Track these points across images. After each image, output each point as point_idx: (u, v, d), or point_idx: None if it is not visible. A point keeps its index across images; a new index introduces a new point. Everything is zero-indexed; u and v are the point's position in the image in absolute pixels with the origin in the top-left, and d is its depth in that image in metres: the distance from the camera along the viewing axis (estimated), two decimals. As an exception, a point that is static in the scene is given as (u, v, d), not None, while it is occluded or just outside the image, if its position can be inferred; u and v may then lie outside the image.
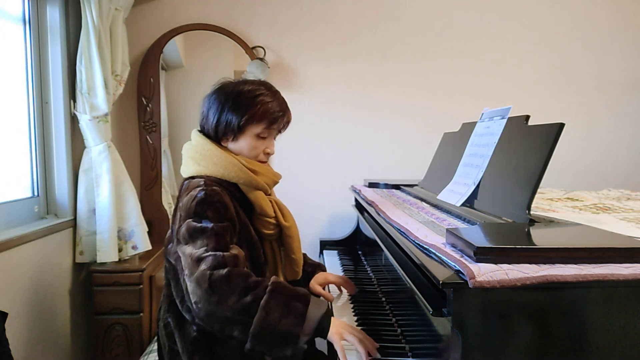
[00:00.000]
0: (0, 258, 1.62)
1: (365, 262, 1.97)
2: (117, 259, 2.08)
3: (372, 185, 2.17)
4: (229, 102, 1.31)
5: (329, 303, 1.41)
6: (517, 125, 1.28)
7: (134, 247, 2.17)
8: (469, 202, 1.34)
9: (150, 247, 2.22)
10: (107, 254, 2.04)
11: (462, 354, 0.80)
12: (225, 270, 1.13)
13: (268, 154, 1.38)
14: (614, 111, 2.72)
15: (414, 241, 1.09)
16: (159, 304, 1.42)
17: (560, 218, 1.27)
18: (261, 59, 2.55)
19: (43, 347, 1.87)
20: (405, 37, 2.66)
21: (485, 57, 2.67)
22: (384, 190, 2.05)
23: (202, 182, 1.25)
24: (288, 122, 1.38)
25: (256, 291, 1.12)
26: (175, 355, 1.31)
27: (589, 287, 0.80)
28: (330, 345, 1.43)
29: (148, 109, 2.53)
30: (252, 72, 2.50)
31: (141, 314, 2.03)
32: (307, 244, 2.30)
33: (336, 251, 2.22)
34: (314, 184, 2.67)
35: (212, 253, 1.15)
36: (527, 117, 1.26)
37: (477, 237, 0.93)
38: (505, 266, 0.80)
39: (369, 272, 1.83)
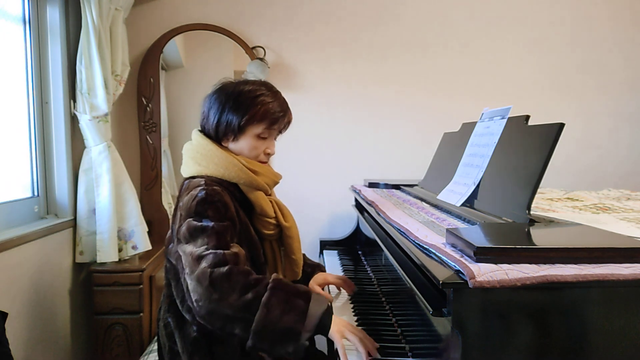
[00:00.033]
0: (0, 258, 1.62)
1: (365, 262, 1.97)
2: (117, 259, 2.08)
3: (372, 185, 2.17)
4: (230, 102, 1.31)
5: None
6: (517, 125, 1.28)
7: (134, 247, 2.17)
8: (469, 202, 1.34)
9: (150, 247, 2.22)
10: (107, 254, 2.04)
11: (462, 354, 0.80)
12: (226, 267, 1.13)
13: (268, 155, 1.38)
14: (614, 111, 2.72)
15: (414, 241, 1.09)
16: (159, 304, 1.42)
17: (560, 218, 1.27)
18: (261, 59, 2.55)
19: (43, 347, 1.87)
20: (405, 37, 2.66)
21: (485, 57, 2.67)
22: (384, 190, 2.05)
23: (203, 182, 1.26)
24: (289, 122, 1.38)
25: (257, 288, 1.12)
26: (176, 355, 1.31)
27: (589, 287, 0.80)
28: (330, 345, 1.43)
29: (148, 109, 2.53)
30: (252, 72, 2.50)
31: (141, 314, 2.03)
32: (307, 244, 2.30)
33: (336, 251, 2.22)
34: (314, 184, 2.67)
35: (213, 251, 1.15)
36: (527, 117, 1.26)
37: (477, 237, 0.93)
38: (505, 266, 0.81)
39: (369, 272, 1.83)
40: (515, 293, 0.80)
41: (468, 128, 1.61)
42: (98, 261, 2.04)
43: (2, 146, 1.83)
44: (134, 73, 2.49)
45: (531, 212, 1.08)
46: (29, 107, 1.97)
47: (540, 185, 1.10)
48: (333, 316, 1.16)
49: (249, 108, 1.30)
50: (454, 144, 1.71)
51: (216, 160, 1.30)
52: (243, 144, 1.33)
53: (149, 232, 2.27)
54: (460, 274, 0.81)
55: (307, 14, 2.63)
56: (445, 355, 0.87)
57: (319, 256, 2.26)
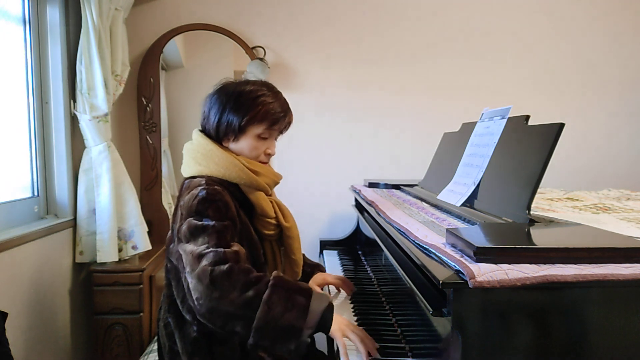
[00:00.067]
0: (0, 258, 1.62)
1: (365, 262, 1.97)
2: (117, 259, 2.08)
3: (372, 185, 2.17)
4: (230, 102, 1.31)
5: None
6: (517, 125, 1.28)
7: (134, 247, 2.17)
8: (469, 202, 1.34)
9: (150, 247, 2.22)
10: (107, 254, 2.04)
11: (462, 354, 0.80)
12: (227, 265, 1.12)
13: (269, 155, 1.38)
14: (614, 111, 2.72)
15: (414, 241, 1.09)
16: (159, 304, 1.42)
17: (560, 218, 1.27)
18: (261, 59, 2.55)
19: (43, 347, 1.87)
20: (405, 37, 2.66)
21: (485, 57, 2.67)
22: (384, 190, 2.05)
23: (204, 182, 1.26)
24: (289, 123, 1.38)
25: (258, 286, 1.12)
26: (176, 355, 1.31)
27: (589, 287, 0.80)
28: (330, 345, 1.43)
29: (148, 109, 2.53)
30: (252, 72, 2.50)
31: (141, 314, 2.03)
32: (307, 244, 2.30)
33: (336, 251, 2.22)
34: (314, 184, 2.67)
35: (213, 249, 1.15)
36: (527, 117, 1.26)
37: (477, 237, 0.93)
38: (505, 266, 0.81)
39: (369, 272, 1.83)
40: (515, 293, 0.80)
41: (468, 128, 1.61)
42: (98, 261, 2.04)
43: (2, 146, 1.83)
44: (134, 73, 2.49)
45: (531, 212, 1.08)
46: (29, 107, 1.97)
47: (540, 185, 1.10)
48: (334, 314, 1.15)
49: (250, 108, 1.30)
50: (454, 144, 1.71)
51: (217, 160, 1.30)
52: (243, 144, 1.33)
53: (149, 232, 2.27)
54: (460, 274, 0.81)
55: (307, 14, 2.63)
56: (445, 355, 0.87)
57: (319, 256, 2.26)
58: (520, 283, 0.78)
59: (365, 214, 1.90)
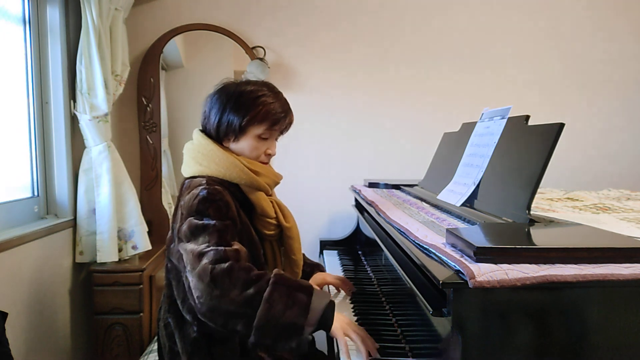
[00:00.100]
0: (0, 258, 1.62)
1: (365, 262, 1.97)
2: (117, 259, 2.08)
3: (372, 185, 2.17)
4: (231, 102, 1.31)
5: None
6: (517, 125, 1.28)
7: (134, 247, 2.17)
8: (469, 202, 1.34)
9: (150, 247, 2.22)
10: (107, 254, 2.04)
11: (462, 354, 0.80)
12: (227, 264, 1.12)
13: (269, 155, 1.38)
14: (614, 111, 2.72)
15: (414, 241, 1.09)
16: (159, 304, 1.42)
17: (560, 218, 1.27)
18: (261, 59, 2.55)
19: (43, 347, 1.87)
20: (405, 37, 2.66)
21: (485, 58, 2.67)
22: (384, 190, 2.05)
23: (205, 182, 1.26)
24: (290, 123, 1.38)
25: (259, 283, 1.11)
26: (176, 356, 1.31)
27: (589, 287, 0.80)
28: (330, 345, 1.43)
29: (148, 109, 2.53)
30: (252, 72, 2.50)
31: (141, 314, 2.03)
32: (307, 244, 2.30)
33: (336, 251, 2.22)
34: (314, 184, 2.67)
35: (214, 248, 1.15)
36: (527, 117, 1.26)
37: (477, 237, 0.93)
38: (505, 266, 0.81)
39: (369, 272, 1.83)
40: (515, 293, 0.80)
41: (468, 128, 1.61)
42: (98, 261, 2.04)
43: (2, 146, 1.83)
44: (134, 73, 2.49)
45: (531, 212, 1.08)
46: (29, 107, 1.97)
47: (540, 185, 1.10)
48: (335, 312, 1.15)
49: (250, 108, 1.30)
50: (454, 144, 1.71)
51: (217, 160, 1.29)
52: (244, 144, 1.33)
53: (149, 232, 2.27)
54: (460, 274, 0.81)
55: (307, 14, 2.63)
56: (445, 355, 0.87)
57: (319, 256, 2.26)
58: (520, 283, 0.78)
59: (365, 214, 1.90)
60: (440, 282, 0.81)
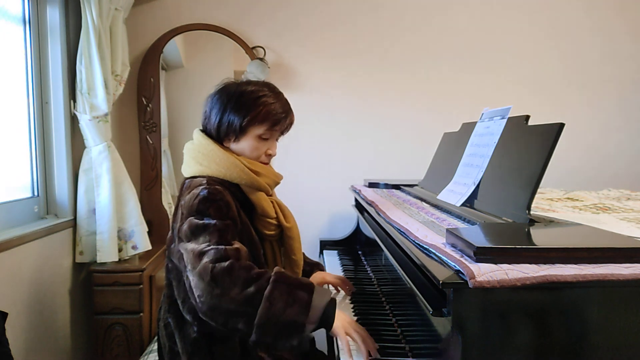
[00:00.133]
0: (0, 258, 1.62)
1: (365, 262, 1.97)
2: (117, 259, 2.08)
3: (372, 185, 2.17)
4: (232, 102, 1.31)
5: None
6: (517, 125, 1.28)
7: (134, 247, 2.17)
8: (469, 202, 1.34)
9: (150, 247, 2.22)
10: (107, 254, 2.04)
11: (462, 354, 0.80)
12: (228, 262, 1.12)
13: (270, 156, 1.38)
14: (614, 111, 2.72)
15: (414, 241, 1.09)
16: (159, 304, 1.42)
17: (560, 218, 1.27)
18: (261, 59, 2.55)
19: (43, 347, 1.87)
20: (405, 37, 2.66)
21: (485, 58, 2.67)
22: (384, 190, 2.05)
23: (205, 181, 1.26)
24: (291, 123, 1.38)
25: (259, 282, 1.11)
26: (176, 356, 1.31)
27: (589, 287, 0.80)
28: (330, 344, 1.43)
29: (148, 109, 2.53)
30: (252, 72, 2.50)
31: (141, 314, 2.03)
32: (307, 244, 2.30)
33: (336, 251, 2.22)
34: (314, 184, 2.67)
35: (214, 247, 1.15)
36: (527, 117, 1.26)
37: (477, 237, 0.93)
38: (505, 266, 0.81)
39: (369, 272, 1.83)
40: (515, 293, 0.80)
41: (468, 128, 1.61)
42: (98, 261, 2.04)
43: (2, 146, 1.83)
44: (134, 73, 2.49)
45: (531, 212, 1.08)
46: (29, 107, 1.97)
47: (540, 185, 1.10)
48: (337, 310, 1.15)
49: (251, 109, 1.30)
50: (454, 144, 1.71)
51: (218, 160, 1.29)
52: (244, 144, 1.33)
53: (149, 232, 2.27)
54: (460, 274, 0.81)
55: (307, 14, 2.63)
56: (445, 355, 0.87)
57: (319, 256, 2.26)
58: (520, 283, 0.78)
59: (365, 214, 1.90)
60: (440, 282, 0.81)
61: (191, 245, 1.18)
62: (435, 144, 1.97)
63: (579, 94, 2.71)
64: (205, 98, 1.38)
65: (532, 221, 1.06)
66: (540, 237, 0.98)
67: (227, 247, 1.16)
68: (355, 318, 1.39)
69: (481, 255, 0.83)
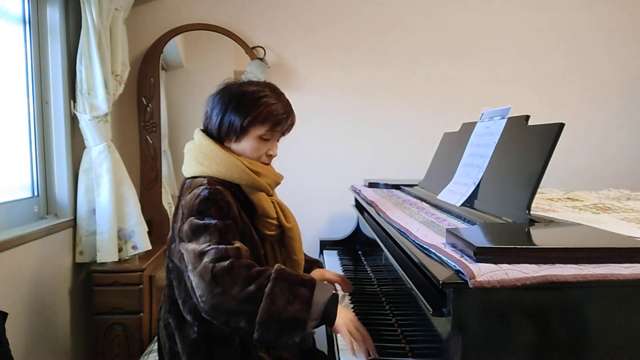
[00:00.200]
0: (0, 258, 1.62)
1: (365, 262, 1.97)
2: (117, 259, 2.08)
3: (372, 185, 2.17)
4: (233, 103, 1.30)
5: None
6: (517, 125, 1.28)
7: (134, 247, 2.17)
8: (469, 202, 1.34)
9: (150, 247, 2.22)
10: (107, 254, 2.04)
11: (462, 354, 0.80)
12: (228, 261, 1.12)
13: (271, 156, 1.38)
14: (614, 111, 2.72)
15: (414, 241, 1.09)
16: (159, 304, 1.42)
17: (560, 218, 1.27)
18: (261, 59, 2.55)
19: (43, 347, 1.87)
20: (405, 37, 2.66)
21: (485, 58, 2.67)
22: (384, 190, 2.05)
23: (206, 181, 1.26)
24: (292, 124, 1.38)
25: (260, 280, 1.11)
26: (176, 356, 1.31)
27: (589, 287, 0.80)
28: (330, 344, 1.43)
29: (148, 109, 2.53)
30: (252, 72, 2.50)
31: (141, 314, 2.03)
32: (307, 244, 2.29)
33: (336, 251, 2.22)
34: (314, 184, 2.67)
35: (215, 247, 1.15)
36: (527, 117, 1.26)
37: (477, 237, 0.93)
38: (505, 266, 0.81)
39: (369, 272, 1.83)
40: (515, 293, 0.80)
41: (468, 128, 1.61)
42: (98, 261, 2.04)
43: (2, 146, 1.83)
44: (134, 73, 2.49)
45: (531, 212, 1.08)
46: (29, 107, 1.97)
47: (540, 185, 1.10)
48: (339, 306, 1.15)
49: (252, 109, 1.29)
50: (454, 144, 1.71)
51: (218, 160, 1.29)
52: (245, 145, 1.33)
53: (149, 232, 2.27)
54: (460, 274, 0.81)
55: (307, 14, 2.63)
56: (445, 356, 0.87)
57: (319, 256, 2.26)
58: (521, 283, 0.78)
59: (365, 214, 1.90)
60: (440, 282, 0.81)
61: (192, 246, 1.18)
62: (435, 144, 1.97)
63: (579, 93, 2.71)
64: (205, 98, 1.38)
65: (532, 221, 1.06)
66: (540, 237, 0.98)
67: (227, 246, 1.16)
68: (355, 318, 1.39)
69: (481, 255, 0.83)
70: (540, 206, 1.61)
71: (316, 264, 1.63)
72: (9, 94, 1.87)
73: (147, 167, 2.55)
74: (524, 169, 1.15)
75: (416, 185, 1.95)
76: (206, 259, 1.13)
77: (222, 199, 1.23)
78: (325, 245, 2.29)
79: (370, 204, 1.69)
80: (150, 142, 2.54)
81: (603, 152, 2.73)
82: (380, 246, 1.46)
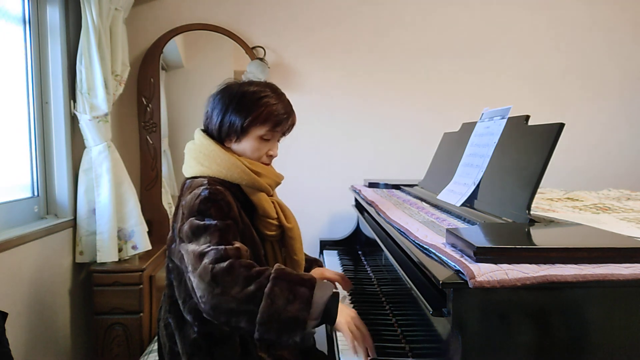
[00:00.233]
0: (0, 258, 1.62)
1: (365, 262, 1.97)
2: (117, 259, 2.08)
3: (372, 185, 2.17)
4: (233, 103, 1.30)
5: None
6: (517, 125, 1.28)
7: (134, 247, 2.17)
8: (469, 202, 1.34)
9: (150, 247, 2.22)
10: (107, 254, 2.04)
11: (462, 354, 0.80)
12: (227, 262, 1.12)
13: (271, 157, 1.38)
14: (614, 111, 2.72)
15: (414, 241, 1.09)
16: (159, 304, 1.42)
17: (560, 218, 1.27)
18: (261, 59, 2.55)
19: (43, 347, 1.87)
20: (405, 37, 2.66)
21: (485, 58, 2.67)
22: (384, 190, 2.05)
23: (206, 182, 1.25)
24: (292, 124, 1.38)
25: (259, 279, 1.11)
26: (176, 356, 1.31)
27: (589, 287, 0.80)
28: (330, 344, 1.43)
29: (148, 109, 2.53)
30: (252, 72, 2.50)
31: (141, 314, 2.03)
32: (307, 244, 2.28)
33: (336, 251, 2.22)
34: (314, 184, 2.67)
35: (214, 247, 1.15)
36: (527, 117, 1.26)
37: (477, 237, 0.93)
38: (505, 266, 0.81)
39: (369, 272, 1.83)
40: (515, 293, 0.80)
41: (468, 128, 1.61)
42: (98, 261, 2.04)
43: (2, 146, 1.83)
44: (134, 73, 2.49)
45: (531, 212, 1.08)
46: (29, 107, 1.97)
47: (540, 185, 1.10)
48: (340, 305, 1.14)
49: (253, 109, 1.29)
50: (454, 144, 1.71)
51: (219, 160, 1.29)
52: (246, 145, 1.33)
53: (149, 232, 2.27)
54: (460, 274, 0.81)
55: (307, 14, 2.63)
56: (445, 356, 0.87)
57: (319, 256, 2.26)
58: (520, 283, 0.78)
59: (365, 214, 1.90)
60: (440, 282, 0.81)
61: (192, 247, 1.18)
62: (435, 144, 1.97)
63: (579, 93, 2.71)
64: (205, 98, 1.38)
65: (532, 221, 1.06)
66: (540, 237, 0.98)
67: (227, 247, 1.16)
68: (356, 318, 1.39)
69: (481, 255, 0.83)
70: (540, 206, 1.61)
71: (315, 262, 1.63)
72: (9, 94, 1.87)
73: (147, 167, 2.55)
74: (524, 169, 1.15)
75: (416, 185, 1.95)
76: (206, 260, 1.13)
77: (223, 199, 1.23)
78: (325, 245, 2.29)
79: (370, 204, 1.69)
80: (150, 142, 2.54)
81: (603, 152, 2.73)
82: (380, 246, 1.46)
